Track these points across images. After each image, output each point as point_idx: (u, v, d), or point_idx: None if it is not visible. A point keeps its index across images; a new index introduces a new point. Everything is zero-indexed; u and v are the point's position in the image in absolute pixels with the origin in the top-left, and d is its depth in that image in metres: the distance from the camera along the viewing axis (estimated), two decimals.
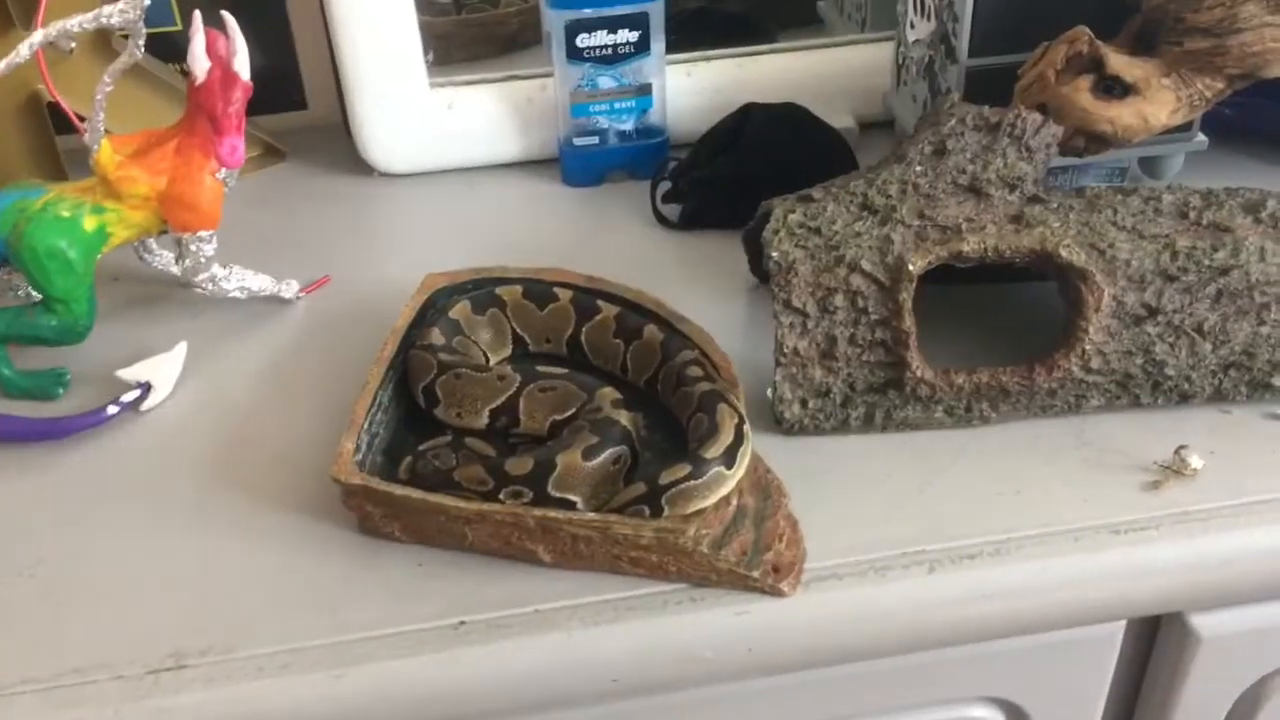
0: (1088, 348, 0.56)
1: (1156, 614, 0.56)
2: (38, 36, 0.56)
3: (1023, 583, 0.50)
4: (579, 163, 0.77)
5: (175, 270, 0.67)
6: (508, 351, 0.61)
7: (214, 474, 0.56)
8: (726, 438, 0.49)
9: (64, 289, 0.59)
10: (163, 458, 0.57)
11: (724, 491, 0.49)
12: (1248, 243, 0.56)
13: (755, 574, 0.48)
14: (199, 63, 0.56)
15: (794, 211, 0.58)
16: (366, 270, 0.71)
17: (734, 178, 0.72)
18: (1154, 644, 0.58)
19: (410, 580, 0.50)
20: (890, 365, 0.56)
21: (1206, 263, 0.56)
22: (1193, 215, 0.58)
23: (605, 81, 0.74)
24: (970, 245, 0.56)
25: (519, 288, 0.61)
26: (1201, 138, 0.72)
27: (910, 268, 0.55)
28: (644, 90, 0.75)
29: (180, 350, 0.62)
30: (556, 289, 0.61)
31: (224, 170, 0.61)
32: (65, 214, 0.59)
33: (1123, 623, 0.55)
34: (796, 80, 0.80)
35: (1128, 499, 0.53)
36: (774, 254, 0.56)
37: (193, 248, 0.62)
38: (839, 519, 0.52)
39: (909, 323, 0.55)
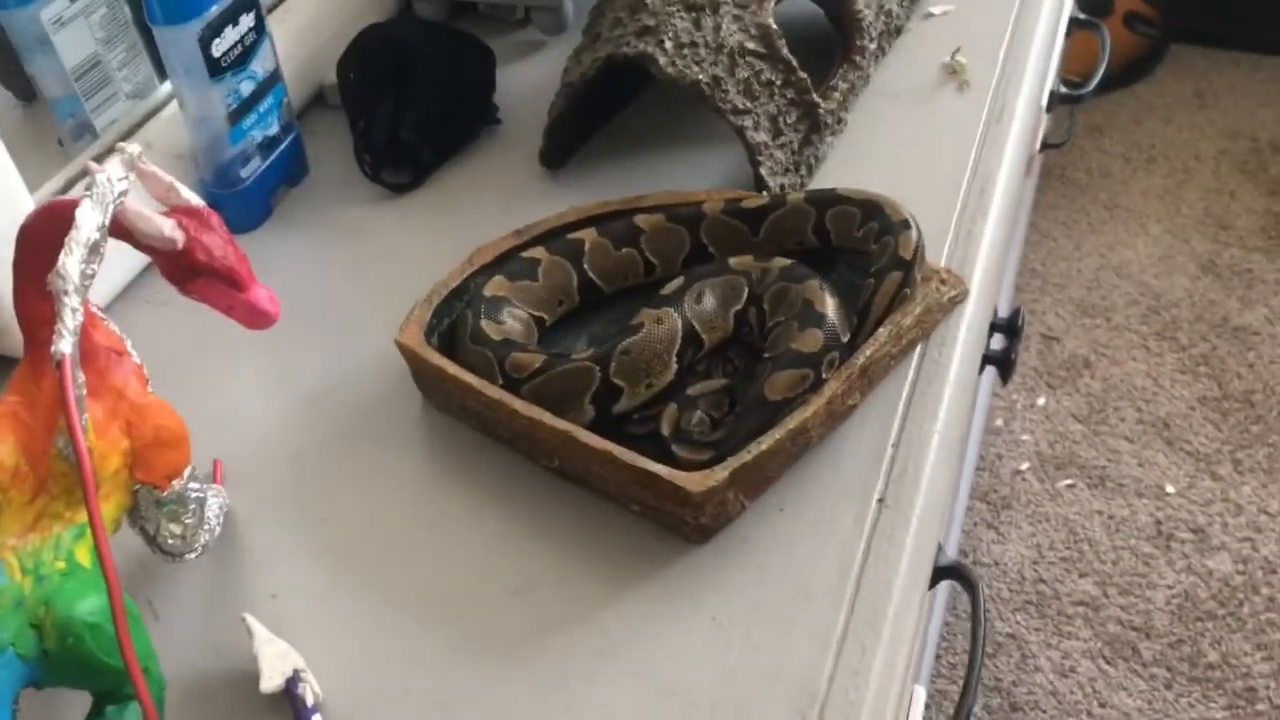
0: (865, 25, 0.67)
1: None
2: None
3: None
4: (250, 199, 0.63)
5: None
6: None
7: None
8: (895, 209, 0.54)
9: (115, 656, 0.38)
10: None
11: None
12: None
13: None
14: (165, 226, 0.37)
15: (663, 42, 0.58)
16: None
17: (436, 112, 0.66)
18: None
19: None
20: (805, 116, 0.62)
21: None
22: None
23: (247, 86, 0.61)
24: None
25: (541, 249, 0.56)
26: None
27: (771, 24, 0.60)
28: (274, 79, 0.63)
29: (255, 624, 0.44)
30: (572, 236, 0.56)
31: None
32: (60, 564, 0.37)
33: None
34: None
35: (963, 101, 0.68)
36: (700, 77, 0.57)
37: (191, 498, 0.42)
38: None
39: (800, 72, 0.61)
